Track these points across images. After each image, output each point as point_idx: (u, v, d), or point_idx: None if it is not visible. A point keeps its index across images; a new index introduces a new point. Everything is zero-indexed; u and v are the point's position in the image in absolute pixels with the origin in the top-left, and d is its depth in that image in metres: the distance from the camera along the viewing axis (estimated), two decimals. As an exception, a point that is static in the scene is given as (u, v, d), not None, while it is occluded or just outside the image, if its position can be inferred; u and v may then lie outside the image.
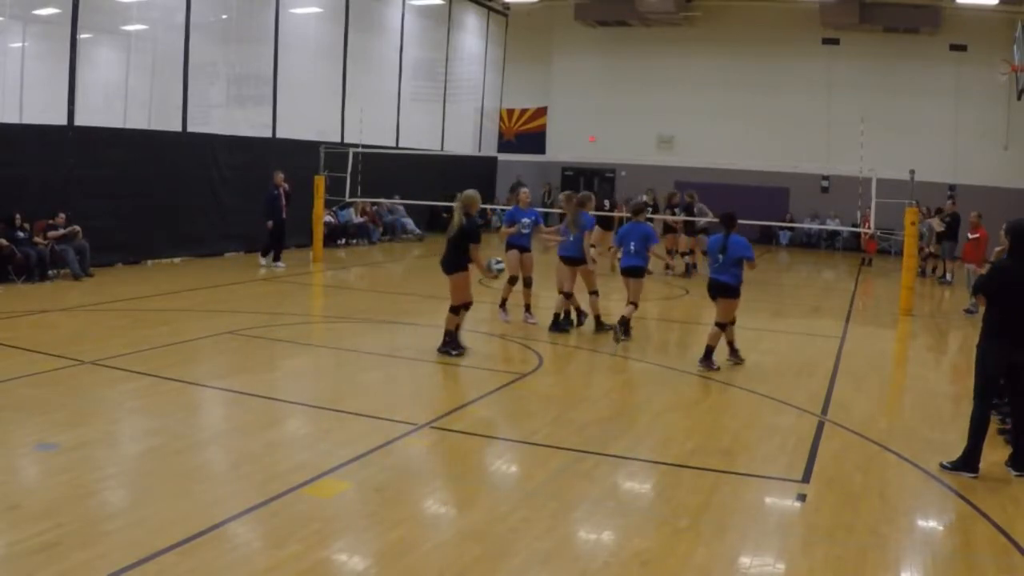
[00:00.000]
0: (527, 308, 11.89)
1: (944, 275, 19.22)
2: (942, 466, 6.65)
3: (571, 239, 11.30)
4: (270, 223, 16.40)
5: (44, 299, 12.28)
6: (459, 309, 9.72)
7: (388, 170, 21.36)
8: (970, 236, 16.04)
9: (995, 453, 7.11)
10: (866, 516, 5.69)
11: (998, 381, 6.66)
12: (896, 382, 10.49)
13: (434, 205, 22.92)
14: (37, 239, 13.73)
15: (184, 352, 9.56)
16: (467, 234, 9.53)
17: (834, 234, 26.63)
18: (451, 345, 9.74)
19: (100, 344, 9.54)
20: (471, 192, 9.73)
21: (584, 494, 5.87)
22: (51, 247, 13.81)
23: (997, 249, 9.05)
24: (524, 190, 12.61)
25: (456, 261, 9.60)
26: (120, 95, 17.02)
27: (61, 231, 13.92)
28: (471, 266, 9.66)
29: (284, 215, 16.50)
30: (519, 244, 11.83)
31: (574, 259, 11.28)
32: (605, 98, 28.92)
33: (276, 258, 16.71)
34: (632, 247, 10.86)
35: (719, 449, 6.99)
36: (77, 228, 14.21)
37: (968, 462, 6.54)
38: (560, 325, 11.42)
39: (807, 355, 11.27)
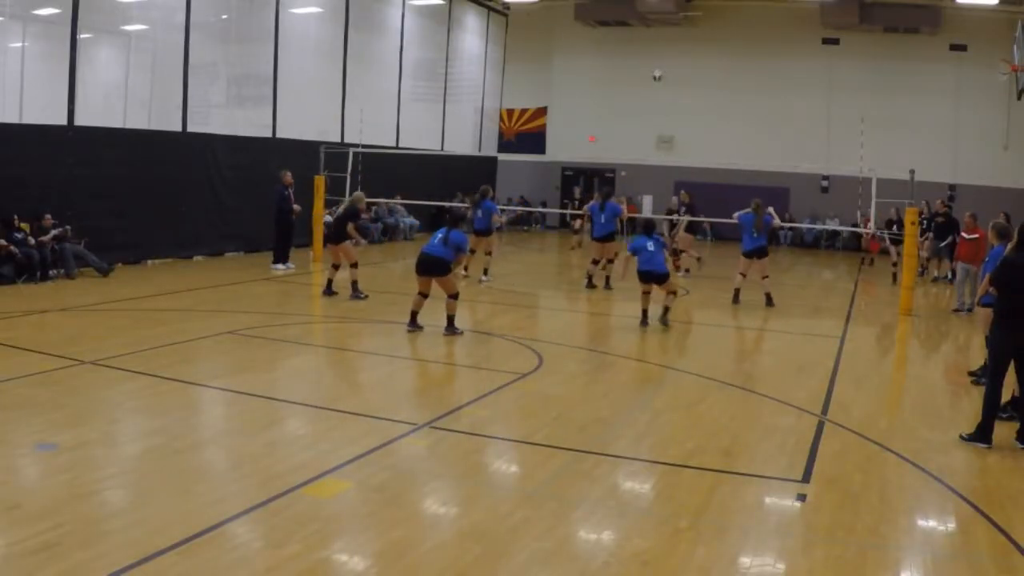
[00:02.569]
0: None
1: (946, 275, 19.23)
2: (960, 437, 7.36)
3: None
4: (293, 212, 16.38)
5: (44, 299, 12.28)
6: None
7: (388, 170, 21.36)
8: (967, 237, 16.03)
9: (996, 453, 7.12)
10: (866, 516, 5.69)
11: (1008, 362, 7.30)
12: (896, 382, 10.49)
13: (434, 205, 22.94)
14: (41, 239, 13.73)
15: (184, 352, 9.56)
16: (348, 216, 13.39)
17: (834, 234, 26.63)
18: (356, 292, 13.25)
19: (100, 344, 9.54)
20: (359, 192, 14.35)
21: (584, 494, 5.87)
22: (51, 247, 13.82)
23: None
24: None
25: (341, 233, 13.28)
26: (120, 95, 17.00)
27: (53, 233, 13.90)
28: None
29: (293, 215, 16.44)
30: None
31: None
32: (605, 98, 28.92)
33: (285, 259, 16.65)
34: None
35: (719, 449, 6.99)
36: (67, 228, 14.20)
37: (982, 434, 7.24)
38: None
39: (807, 355, 11.27)
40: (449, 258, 10.66)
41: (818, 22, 25.92)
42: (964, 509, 5.94)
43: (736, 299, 14.37)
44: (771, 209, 14.97)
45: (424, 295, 10.91)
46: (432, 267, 10.71)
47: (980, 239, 15.65)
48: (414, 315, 10.93)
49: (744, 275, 14.47)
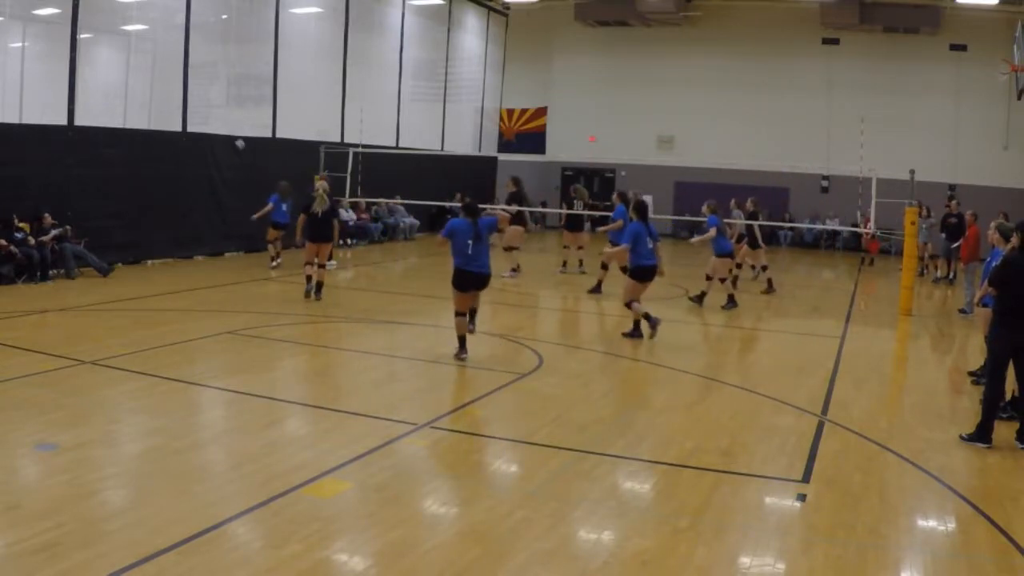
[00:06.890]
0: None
1: (946, 275, 19.24)
2: (960, 437, 7.36)
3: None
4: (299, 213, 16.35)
5: (44, 299, 12.28)
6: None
7: (388, 170, 21.36)
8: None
9: (996, 453, 7.12)
10: (866, 516, 5.69)
11: (1007, 362, 7.31)
12: (896, 382, 10.49)
13: (434, 205, 22.95)
14: (41, 239, 13.72)
15: (184, 352, 9.56)
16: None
17: (834, 234, 26.63)
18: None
19: (100, 344, 9.54)
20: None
21: (584, 494, 5.87)
22: (51, 247, 13.82)
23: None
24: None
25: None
26: (120, 95, 17.01)
27: (53, 233, 13.90)
28: None
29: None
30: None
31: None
32: (605, 98, 28.92)
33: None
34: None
35: (719, 449, 6.99)
36: (67, 228, 14.20)
37: (982, 434, 7.25)
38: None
39: (807, 355, 11.27)
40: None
41: (818, 22, 25.93)
42: (964, 509, 5.94)
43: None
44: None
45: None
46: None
47: (974, 236, 15.68)
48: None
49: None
